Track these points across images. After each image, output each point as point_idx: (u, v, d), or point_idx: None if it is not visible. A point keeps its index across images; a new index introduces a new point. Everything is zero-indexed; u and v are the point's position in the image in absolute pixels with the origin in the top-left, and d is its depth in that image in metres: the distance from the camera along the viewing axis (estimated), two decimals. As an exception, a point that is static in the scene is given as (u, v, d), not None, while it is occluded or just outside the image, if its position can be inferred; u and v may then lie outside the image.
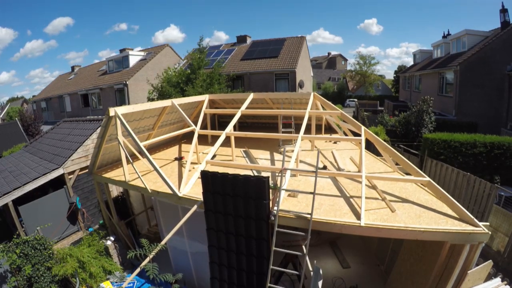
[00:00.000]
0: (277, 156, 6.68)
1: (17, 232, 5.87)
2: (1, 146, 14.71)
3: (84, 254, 5.76)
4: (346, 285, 5.59)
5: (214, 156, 6.11)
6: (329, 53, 71.74)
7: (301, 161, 6.19)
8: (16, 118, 21.10)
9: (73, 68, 31.47)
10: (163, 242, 4.50)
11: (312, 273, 4.23)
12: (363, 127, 5.69)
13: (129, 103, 19.64)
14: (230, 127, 6.44)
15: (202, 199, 4.45)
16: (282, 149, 6.35)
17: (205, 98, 8.38)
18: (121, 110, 5.63)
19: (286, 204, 4.35)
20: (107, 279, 5.74)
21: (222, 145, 6.32)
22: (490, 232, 3.58)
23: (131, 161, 5.52)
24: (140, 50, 24.51)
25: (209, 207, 4.41)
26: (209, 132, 7.47)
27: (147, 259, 4.21)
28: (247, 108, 7.25)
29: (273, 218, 4.00)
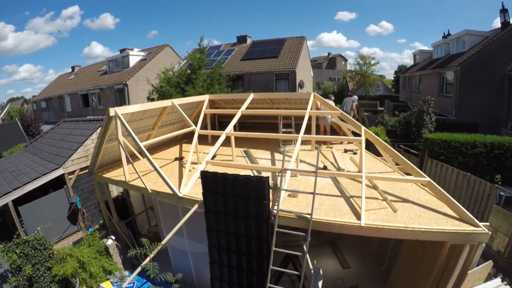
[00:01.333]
0: (277, 156, 6.68)
1: (17, 232, 5.86)
2: (1, 146, 14.70)
3: (84, 254, 5.76)
4: (346, 285, 5.59)
5: (214, 156, 6.11)
6: (329, 53, 71.68)
7: (301, 161, 6.19)
8: (16, 118, 21.12)
9: (73, 68, 31.44)
10: (163, 242, 4.50)
11: (312, 273, 4.24)
12: (363, 127, 5.69)
13: (129, 103, 19.64)
14: (230, 127, 6.44)
15: (202, 199, 4.46)
16: (282, 149, 6.35)
17: (205, 98, 8.38)
18: (121, 110, 5.63)
19: (286, 204, 4.35)
20: (107, 279, 5.74)
21: (222, 145, 6.32)
22: (490, 232, 3.58)
23: (131, 161, 5.52)
24: (140, 50, 24.50)
25: (209, 207, 4.41)
26: (209, 132, 7.47)
27: (148, 259, 4.21)
28: (247, 108, 7.25)
29: (273, 218, 4.00)
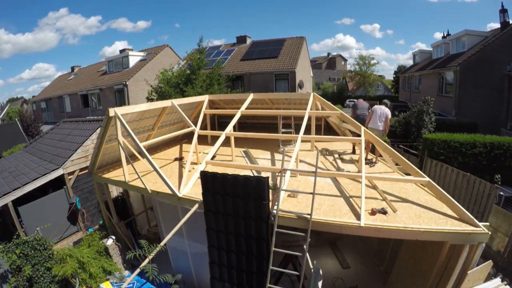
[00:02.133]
0: (277, 156, 6.68)
1: (17, 233, 5.85)
2: (1, 146, 14.69)
3: (84, 254, 5.75)
4: (346, 286, 5.59)
5: (214, 157, 6.11)
6: (328, 54, 71.83)
7: (301, 161, 6.19)
8: (16, 119, 21.10)
9: (73, 68, 31.45)
10: (162, 243, 4.50)
11: (312, 273, 4.24)
12: (363, 128, 5.69)
13: (129, 104, 19.64)
14: (230, 128, 6.44)
15: (201, 199, 4.46)
16: (282, 149, 6.35)
17: (205, 98, 8.38)
18: (121, 110, 5.62)
19: (286, 205, 4.35)
20: (107, 279, 5.73)
21: (222, 145, 6.32)
22: (490, 232, 3.58)
23: (131, 161, 5.52)
24: (140, 51, 24.50)
25: (209, 208, 4.41)
26: (209, 132, 7.47)
27: (146, 260, 4.21)
28: (247, 108, 7.25)
29: (272, 218, 4.00)
